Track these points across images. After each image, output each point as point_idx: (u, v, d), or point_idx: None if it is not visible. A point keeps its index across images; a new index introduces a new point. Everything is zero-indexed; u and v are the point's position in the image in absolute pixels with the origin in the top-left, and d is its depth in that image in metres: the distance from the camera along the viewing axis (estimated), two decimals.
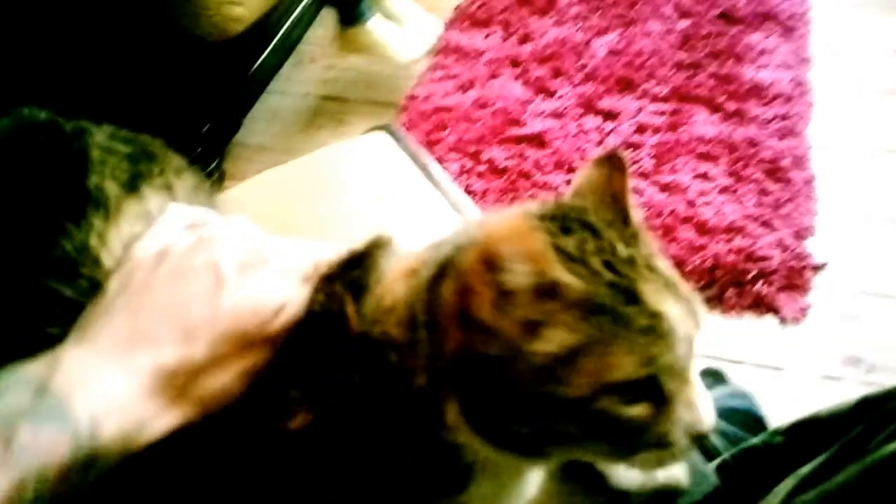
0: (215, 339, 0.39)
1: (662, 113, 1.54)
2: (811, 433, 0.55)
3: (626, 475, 0.52)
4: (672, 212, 1.33)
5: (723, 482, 0.53)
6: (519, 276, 0.36)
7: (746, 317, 1.22)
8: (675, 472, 0.45)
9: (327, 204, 0.75)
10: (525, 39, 1.77)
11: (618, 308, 0.37)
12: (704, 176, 1.40)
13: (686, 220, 1.32)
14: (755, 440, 0.61)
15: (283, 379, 0.42)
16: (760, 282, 1.24)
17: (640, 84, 1.61)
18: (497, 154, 1.50)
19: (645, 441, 0.38)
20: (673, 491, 0.43)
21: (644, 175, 1.41)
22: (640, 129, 1.52)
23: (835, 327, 1.21)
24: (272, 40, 1.84)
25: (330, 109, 1.75)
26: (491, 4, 1.87)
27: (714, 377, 0.98)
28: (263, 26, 1.79)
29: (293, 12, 1.78)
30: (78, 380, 0.36)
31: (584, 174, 0.45)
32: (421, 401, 0.40)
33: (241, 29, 1.43)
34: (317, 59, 1.89)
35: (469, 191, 1.41)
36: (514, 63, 1.71)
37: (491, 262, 0.36)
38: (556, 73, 1.66)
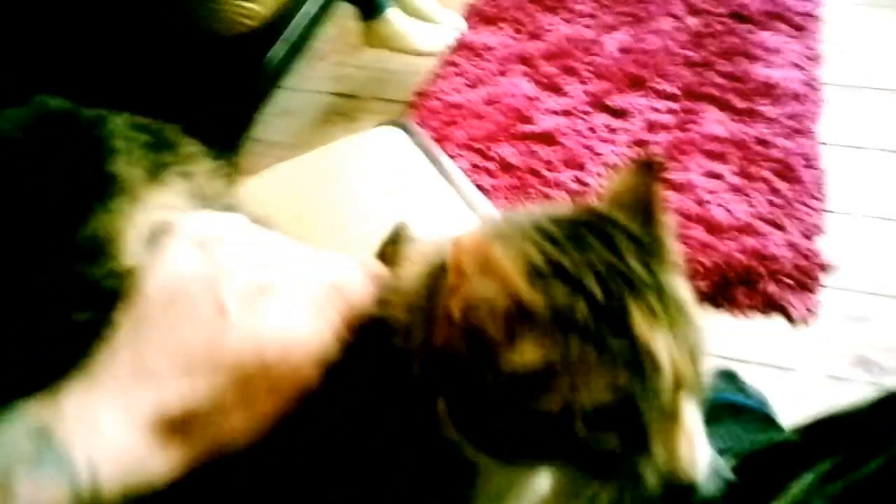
0: (216, 377, 0.37)
1: (672, 111, 1.51)
2: (829, 431, 0.53)
3: None
4: (681, 210, 1.30)
5: (737, 480, 0.51)
6: (481, 289, 0.35)
7: (755, 316, 1.19)
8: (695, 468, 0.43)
9: (340, 196, 0.74)
10: (535, 37, 1.74)
11: (598, 332, 0.35)
12: (714, 175, 1.37)
13: (696, 218, 1.29)
14: (770, 438, 0.59)
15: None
16: (770, 281, 1.21)
17: (650, 82, 1.57)
18: (506, 151, 1.47)
19: (614, 473, 0.37)
20: (689, 486, 0.41)
21: None
22: (650, 128, 1.49)
23: (844, 328, 1.18)
24: (284, 37, 1.83)
25: (341, 106, 1.73)
26: (501, 2, 1.84)
27: (728, 378, 0.95)
28: (276, 23, 1.78)
29: (306, 9, 1.76)
30: (78, 424, 0.34)
31: (616, 180, 0.42)
32: (418, 390, 0.39)
33: (255, 25, 1.42)
34: (328, 56, 1.88)
35: (478, 187, 1.38)
36: (524, 60, 1.68)
37: (459, 272, 0.35)
38: (566, 71, 1.63)
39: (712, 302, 1.19)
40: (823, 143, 1.44)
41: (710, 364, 0.38)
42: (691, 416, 0.37)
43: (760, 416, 0.88)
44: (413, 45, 1.66)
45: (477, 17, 1.82)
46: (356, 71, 1.81)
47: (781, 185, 1.35)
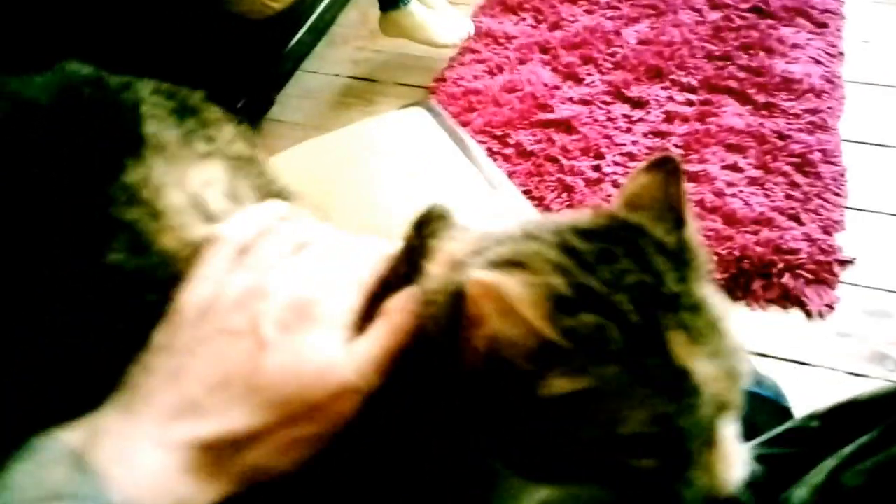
0: (255, 409, 0.34)
1: (691, 103, 1.46)
2: (850, 416, 0.50)
3: None
4: (699, 201, 1.25)
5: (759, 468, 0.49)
6: (503, 330, 0.33)
7: (772, 310, 1.14)
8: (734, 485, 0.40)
9: (364, 177, 0.70)
10: (555, 26, 1.69)
11: (635, 358, 0.32)
12: (733, 167, 1.32)
13: (713, 209, 1.24)
14: (788, 425, 0.56)
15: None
16: (787, 275, 1.16)
17: (670, 74, 1.52)
18: (524, 138, 1.43)
19: (650, 495, 0.35)
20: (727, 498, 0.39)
21: None
22: (669, 119, 1.43)
23: (861, 323, 1.13)
24: (307, 21, 1.81)
25: (360, 90, 1.70)
26: None
27: None
28: (299, 7, 1.75)
29: None
30: (116, 455, 0.32)
31: (636, 181, 0.39)
32: (446, 400, 0.36)
33: (279, 8, 1.40)
34: (349, 40, 1.85)
35: None
36: (544, 49, 1.64)
37: (479, 313, 0.33)
38: (586, 61, 1.58)
39: (729, 294, 1.15)
40: (845, 140, 1.38)
41: (747, 379, 0.35)
42: (731, 437, 0.35)
43: (773, 407, 0.84)
44: (431, 37, 1.62)
45: (498, 5, 1.77)
46: (376, 55, 1.77)
47: (801, 180, 1.29)
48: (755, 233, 1.21)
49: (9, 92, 0.41)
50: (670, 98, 1.48)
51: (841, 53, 1.57)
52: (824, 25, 1.62)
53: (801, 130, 1.38)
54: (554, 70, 1.58)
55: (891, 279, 1.17)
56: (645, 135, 1.41)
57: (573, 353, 0.32)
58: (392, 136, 0.76)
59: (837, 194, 1.28)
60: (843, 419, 0.50)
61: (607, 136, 1.41)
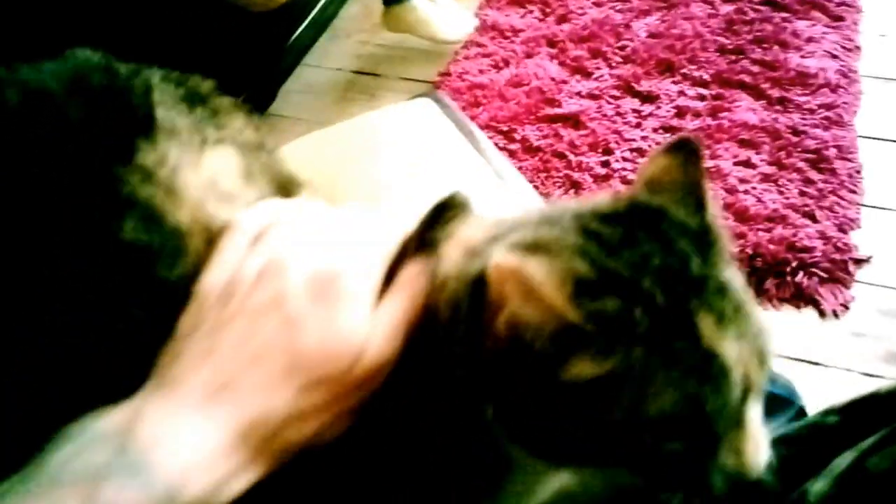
0: (299, 389, 0.35)
1: (703, 98, 1.47)
2: (870, 411, 0.51)
3: None
4: None
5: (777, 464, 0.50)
6: (524, 314, 0.33)
7: (785, 309, 1.16)
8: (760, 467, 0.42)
9: (371, 167, 0.72)
10: (563, 19, 1.71)
11: (662, 340, 0.33)
12: (746, 163, 1.33)
13: (726, 206, 1.26)
14: (805, 422, 0.57)
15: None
16: (801, 273, 1.17)
17: (681, 68, 1.54)
18: (531, 133, 1.45)
19: (678, 478, 0.35)
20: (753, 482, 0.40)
21: None
22: (680, 114, 1.45)
23: (876, 323, 1.14)
24: (309, 14, 1.83)
25: (363, 84, 1.73)
26: None
27: None
28: (301, 0, 1.77)
29: None
30: (159, 435, 0.33)
31: (655, 163, 0.40)
32: (462, 390, 0.37)
33: (282, 1, 1.41)
34: (351, 34, 1.87)
35: None
36: (551, 43, 1.66)
37: (500, 296, 0.34)
38: (594, 54, 1.60)
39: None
40: (861, 136, 1.40)
41: (772, 360, 0.36)
42: (756, 418, 0.35)
43: (788, 405, 0.85)
44: (436, 33, 1.64)
45: None
46: (379, 49, 1.79)
47: (815, 177, 1.31)
48: (768, 230, 1.22)
49: (18, 80, 0.42)
50: (681, 92, 1.49)
51: (857, 47, 1.58)
52: (840, 19, 1.63)
53: (816, 126, 1.40)
54: (561, 64, 1.60)
55: None
56: (655, 130, 1.43)
57: (597, 337, 0.33)
58: (398, 128, 0.78)
59: (853, 191, 1.29)
60: (863, 413, 0.50)
61: (616, 132, 1.43)
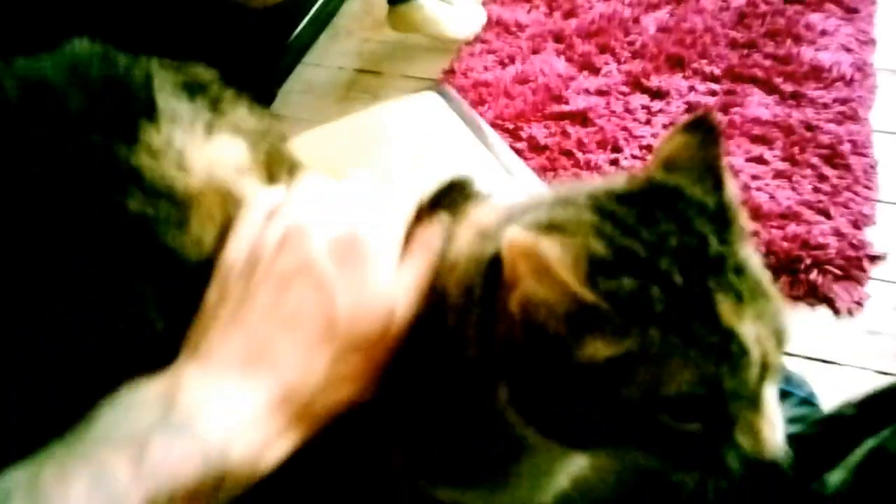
0: (336, 353, 0.37)
1: (715, 93, 1.50)
2: (886, 403, 0.53)
3: None
4: None
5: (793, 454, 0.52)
6: (539, 293, 0.34)
7: (799, 307, 1.18)
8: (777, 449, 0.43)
9: (376, 162, 0.74)
10: (570, 14, 1.74)
11: (680, 319, 0.34)
12: (758, 159, 1.36)
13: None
14: (822, 415, 0.59)
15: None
16: (815, 271, 1.20)
17: (692, 63, 1.57)
18: (538, 131, 1.48)
19: (693, 458, 0.36)
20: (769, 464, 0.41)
21: None
22: (691, 110, 1.48)
23: (892, 321, 1.16)
24: (309, 11, 1.86)
25: (365, 83, 1.75)
26: None
27: None
28: None
29: None
30: (201, 400, 0.35)
31: (672, 142, 0.40)
32: (473, 372, 0.39)
33: None
34: (353, 31, 1.89)
35: None
36: (558, 38, 1.69)
37: (514, 274, 0.35)
38: (602, 49, 1.63)
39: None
40: (876, 131, 1.42)
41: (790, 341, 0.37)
42: (772, 399, 0.36)
43: (804, 404, 0.88)
44: (443, 32, 1.66)
45: None
46: (381, 47, 1.82)
47: (829, 172, 1.34)
48: (781, 227, 1.25)
49: (16, 72, 0.44)
50: (692, 88, 1.52)
51: (872, 40, 1.61)
52: (855, 11, 1.66)
53: (829, 121, 1.42)
54: (569, 60, 1.63)
55: None
56: (665, 127, 1.46)
57: (613, 317, 0.33)
58: (403, 123, 0.80)
59: (868, 187, 1.32)
60: (882, 405, 0.52)
61: (625, 129, 1.46)
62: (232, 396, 0.35)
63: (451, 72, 1.66)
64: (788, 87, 1.49)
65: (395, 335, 0.39)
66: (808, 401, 0.86)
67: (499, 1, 1.82)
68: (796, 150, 1.37)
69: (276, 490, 0.38)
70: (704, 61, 1.57)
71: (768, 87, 1.50)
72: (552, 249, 0.33)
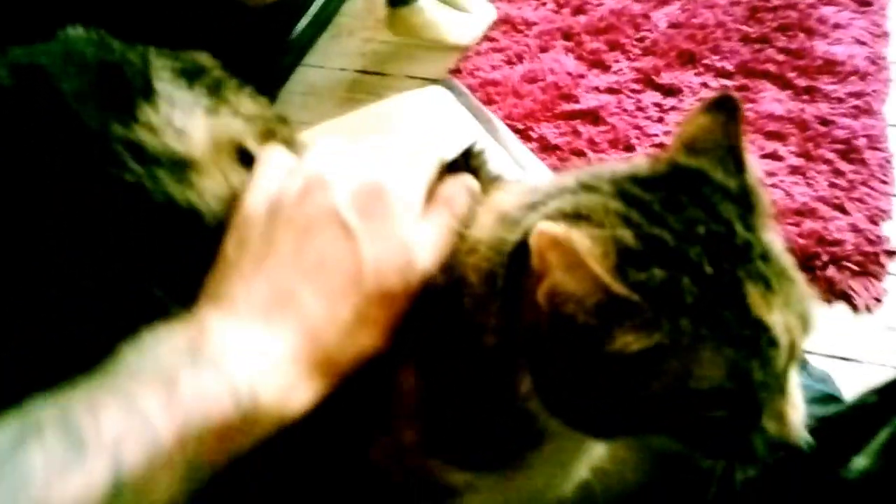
0: (360, 301, 0.39)
1: (727, 89, 1.56)
2: None
3: None
4: None
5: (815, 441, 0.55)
6: (568, 285, 0.35)
7: (817, 304, 1.22)
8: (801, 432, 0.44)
9: None
10: (579, 11, 1.80)
11: (710, 310, 0.35)
12: (773, 155, 1.42)
13: None
14: (847, 402, 0.63)
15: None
16: (832, 267, 1.26)
17: (704, 58, 1.63)
18: (548, 131, 1.53)
19: (721, 445, 0.38)
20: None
21: None
22: None
23: None
24: (309, 11, 1.89)
25: (368, 84, 1.79)
26: None
27: None
28: None
29: None
30: (228, 343, 0.36)
31: (694, 123, 0.42)
32: (492, 361, 0.40)
33: None
34: (354, 31, 1.93)
35: None
36: (567, 35, 1.74)
37: (543, 265, 0.36)
38: (613, 46, 1.69)
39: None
40: (891, 125, 1.48)
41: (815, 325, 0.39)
42: (795, 383, 0.38)
43: (827, 399, 0.92)
44: (443, 37, 1.70)
45: None
46: (384, 47, 1.85)
47: (845, 167, 1.39)
48: (797, 224, 1.31)
49: (9, 60, 0.46)
50: (704, 84, 1.58)
51: (886, 33, 1.67)
52: (868, 4, 1.72)
53: (844, 115, 1.49)
54: (578, 57, 1.68)
55: None
56: (678, 124, 1.50)
57: (643, 308, 0.34)
58: (411, 117, 0.84)
59: (884, 181, 1.38)
60: None
61: (637, 127, 1.52)
62: (257, 342, 0.37)
63: (457, 71, 1.71)
64: (802, 82, 1.56)
65: (414, 290, 0.40)
66: (834, 397, 0.90)
67: None
68: (811, 145, 1.43)
69: (282, 471, 0.40)
70: (716, 57, 1.63)
71: (782, 82, 1.56)
72: (583, 241, 0.34)
